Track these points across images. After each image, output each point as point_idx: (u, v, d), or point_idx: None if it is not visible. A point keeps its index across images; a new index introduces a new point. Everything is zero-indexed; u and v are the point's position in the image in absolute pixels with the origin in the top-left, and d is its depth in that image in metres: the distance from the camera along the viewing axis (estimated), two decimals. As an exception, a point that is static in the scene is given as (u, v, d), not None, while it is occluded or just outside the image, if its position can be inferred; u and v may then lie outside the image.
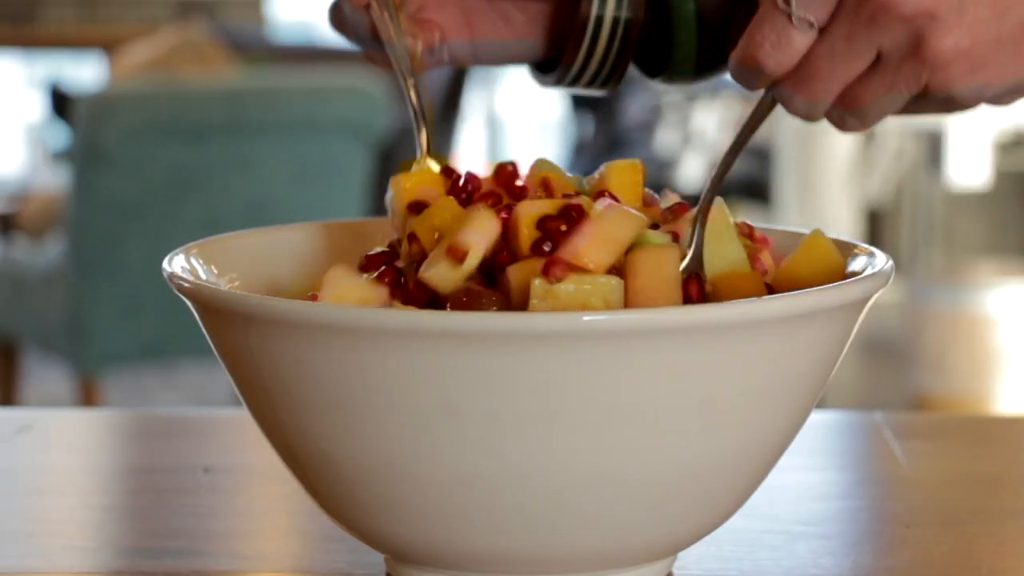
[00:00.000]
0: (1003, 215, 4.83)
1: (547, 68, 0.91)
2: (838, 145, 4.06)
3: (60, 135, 4.69)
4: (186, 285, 0.74)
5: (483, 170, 0.82)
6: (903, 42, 0.73)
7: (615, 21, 0.86)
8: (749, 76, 0.76)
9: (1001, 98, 0.77)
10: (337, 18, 0.89)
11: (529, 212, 0.74)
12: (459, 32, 0.88)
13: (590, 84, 0.90)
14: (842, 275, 0.77)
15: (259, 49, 4.71)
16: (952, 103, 0.75)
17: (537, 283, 0.70)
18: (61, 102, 4.05)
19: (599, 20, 0.86)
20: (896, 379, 4.04)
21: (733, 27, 0.83)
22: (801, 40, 0.74)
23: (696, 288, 0.74)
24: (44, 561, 0.83)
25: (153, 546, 0.85)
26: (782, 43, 0.74)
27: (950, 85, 0.74)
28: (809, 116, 0.76)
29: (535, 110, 6.65)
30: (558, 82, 0.90)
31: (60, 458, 1.03)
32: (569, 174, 0.81)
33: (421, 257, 0.76)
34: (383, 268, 0.76)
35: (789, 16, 0.73)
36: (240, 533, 0.90)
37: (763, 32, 0.74)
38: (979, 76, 0.74)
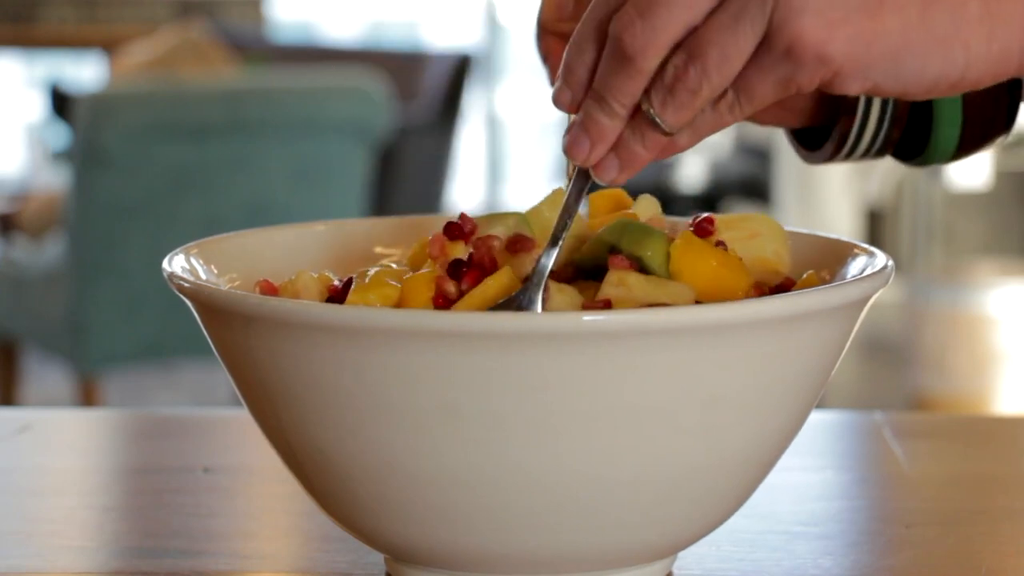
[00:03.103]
0: (1003, 215, 4.83)
1: (806, 141, 0.90)
2: (838, 145, 4.06)
3: (60, 135, 4.69)
4: (186, 285, 0.74)
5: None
6: None
7: (883, 104, 0.85)
8: (596, 11, 0.69)
9: (844, 66, 0.67)
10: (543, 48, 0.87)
11: None
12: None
13: (862, 156, 0.88)
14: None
15: (259, 49, 4.71)
16: (794, 59, 0.66)
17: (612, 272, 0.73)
18: (61, 102, 4.06)
19: (867, 107, 0.85)
20: (896, 379, 4.04)
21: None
22: None
23: None
24: (44, 561, 0.83)
25: (153, 546, 0.85)
26: None
27: (795, 20, 0.65)
28: (642, 47, 0.67)
29: (535, 110, 6.65)
30: (830, 158, 0.88)
31: (60, 458, 1.03)
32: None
33: None
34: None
35: None
36: (240, 533, 0.90)
37: None
38: (825, 17, 0.65)
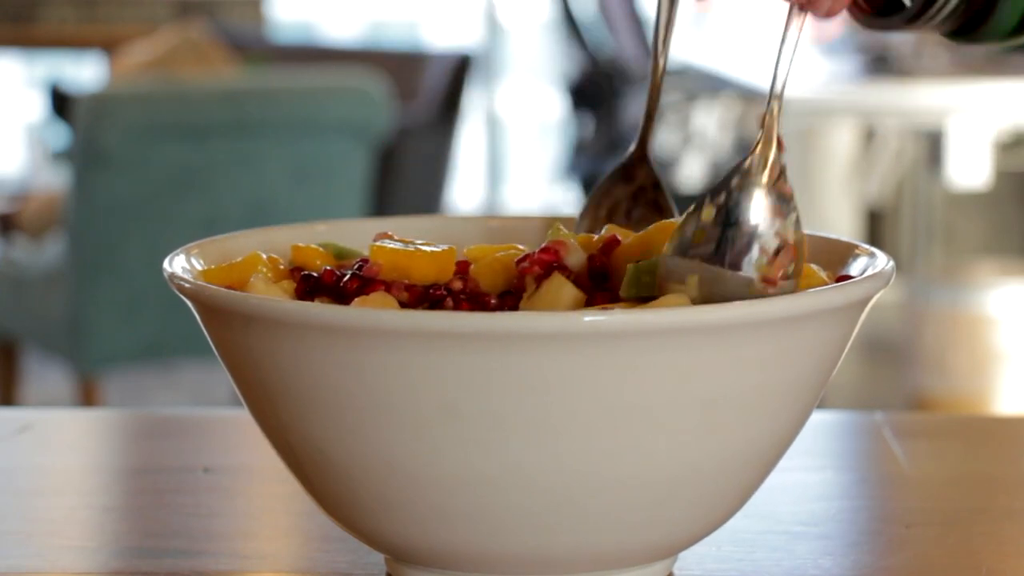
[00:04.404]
0: (1003, 215, 4.83)
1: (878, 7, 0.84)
2: (838, 145, 4.06)
3: (60, 135, 4.69)
4: (186, 285, 0.74)
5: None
6: None
7: None
8: None
9: None
10: None
11: None
12: None
13: (939, 20, 0.82)
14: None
15: (259, 49, 4.70)
16: None
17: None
18: (61, 102, 4.05)
19: None
20: (896, 379, 4.04)
21: None
22: None
23: None
24: (44, 561, 0.83)
25: (153, 546, 0.85)
26: None
27: None
28: None
29: (535, 110, 6.65)
30: (914, 18, 0.81)
31: (60, 458, 1.03)
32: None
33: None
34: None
35: None
36: (240, 533, 0.90)
37: None
38: None
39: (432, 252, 0.77)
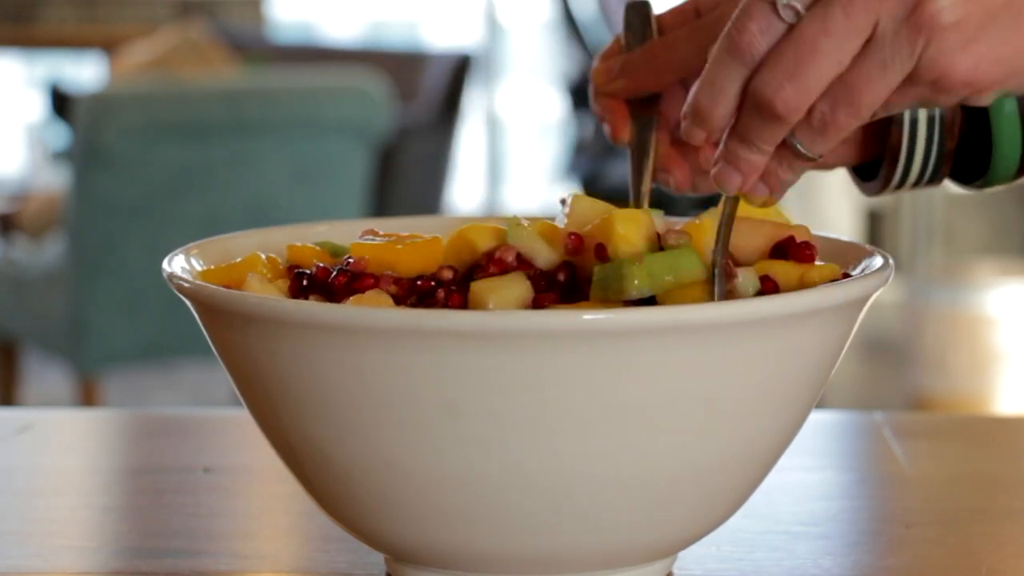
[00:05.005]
0: (1003, 215, 4.83)
1: (862, 172, 0.92)
2: (838, 145, 4.05)
3: (60, 135, 4.69)
4: (186, 285, 0.74)
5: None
6: (899, 10, 0.68)
7: (930, 119, 0.87)
8: (734, 68, 0.70)
9: (987, 86, 0.70)
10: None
11: None
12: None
13: (915, 184, 0.90)
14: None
15: (259, 49, 4.71)
16: (940, 88, 0.69)
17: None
18: (61, 102, 4.06)
19: (914, 122, 0.87)
20: (896, 379, 4.04)
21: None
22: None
23: None
24: (44, 561, 0.83)
25: (153, 546, 0.85)
26: (770, 29, 0.69)
27: (944, 58, 0.68)
28: (795, 108, 0.69)
29: (535, 110, 6.65)
30: (883, 188, 0.90)
31: (60, 458, 1.03)
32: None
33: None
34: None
35: (774, 4, 0.69)
36: (240, 533, 0.90)
37: (748, 19, 0.69)
38: (971, 50, 0.68)
39: (415, 244, 0.77)
